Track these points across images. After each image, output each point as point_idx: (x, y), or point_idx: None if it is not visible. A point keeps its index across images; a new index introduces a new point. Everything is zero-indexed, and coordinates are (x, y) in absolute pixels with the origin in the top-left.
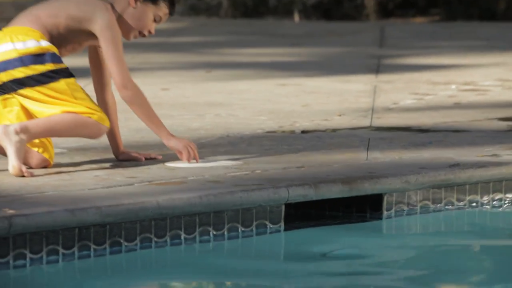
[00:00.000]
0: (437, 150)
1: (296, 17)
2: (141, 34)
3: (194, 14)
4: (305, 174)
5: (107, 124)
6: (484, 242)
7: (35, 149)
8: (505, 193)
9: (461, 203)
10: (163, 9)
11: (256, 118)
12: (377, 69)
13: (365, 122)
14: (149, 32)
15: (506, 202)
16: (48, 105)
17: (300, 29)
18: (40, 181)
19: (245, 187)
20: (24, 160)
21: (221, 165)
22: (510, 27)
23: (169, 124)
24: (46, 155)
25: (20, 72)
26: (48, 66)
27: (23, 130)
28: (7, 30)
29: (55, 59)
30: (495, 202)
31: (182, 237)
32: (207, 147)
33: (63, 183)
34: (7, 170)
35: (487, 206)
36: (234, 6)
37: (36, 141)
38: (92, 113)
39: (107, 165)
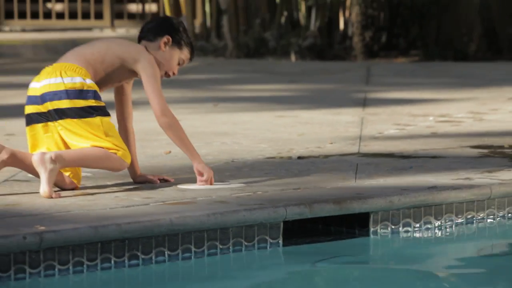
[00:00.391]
0: (417, 174)
1: (293, 57)
2: (167, 74)
3: (203, 54)
4: (301, 195)
5: (128, 161)
6: (457, 255)
7: (67, 173)
8: (477, 212)
9: (438, 221)
10: (186, 54)
11: (257, 146)
12: (364, 103)
13: (354, 149)
14: (173, 73)
15: (477, 220)
16: (81, 139)
17: (296, 68)
18: (67, 201)
19: (248, 206)
20: (56, 181)
21: (227, 187)
22: (479, 66)
23: (181, 151)
24: (75, 180)
25: (64, 104)
26: (89, 102)
27: (58, 159)
28: (57, 65)
29: (96, 96)
30: (467, 220)
31: (192, 251)
32: (214, 171)
33: (88, 203)
34: (38, 192)
35: (461, 224)
36: (238, 48)
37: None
38: (118, 150)
39: (126, 187)
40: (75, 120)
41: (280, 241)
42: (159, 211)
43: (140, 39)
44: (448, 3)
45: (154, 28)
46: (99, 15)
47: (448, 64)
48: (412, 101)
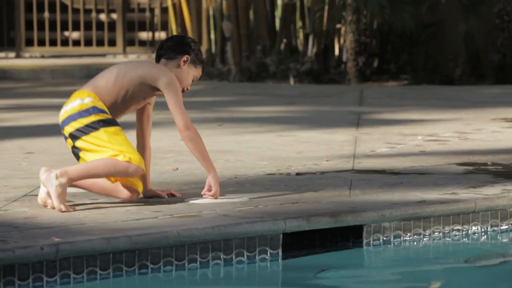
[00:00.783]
0: (407, 189)
1: (292, 81)
2: (182, 90)
3: (208, 78)
4: (299, 209)
5: (141, 165)
6: (444, 264)
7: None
8: (462, 224)
9: (426, 233)
10: (199, 71)
11: (258, 163)
12: (358, 123)
13: (348, 166)
14: (187, 89)
15: (463, 232)
16: (92, 154)
17: (295, 90)
18: (82, 214)
19: (249, 219)
20: (115, 194)
21: (230, 201)
22: (464, 90)
23: (188, 167)
24: (135, 187)
25: (71, 127)
26: (92, 118)
27: (63, 174)
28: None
29: (96, 110)
30: (454, 232)
31: (198, 261)
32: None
33: (101, 216)
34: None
35: (447, 235)
36: (241, 72)
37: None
38: (124, 155)
39: (137, 201)
40: (83, 138)
41: (280, 252)
42: (167, 223)
43: (159, 56)
44: (435, 32)
45: (174, 47)
46: (112, 43)
47: (435, 88)
48: (402, 121)
